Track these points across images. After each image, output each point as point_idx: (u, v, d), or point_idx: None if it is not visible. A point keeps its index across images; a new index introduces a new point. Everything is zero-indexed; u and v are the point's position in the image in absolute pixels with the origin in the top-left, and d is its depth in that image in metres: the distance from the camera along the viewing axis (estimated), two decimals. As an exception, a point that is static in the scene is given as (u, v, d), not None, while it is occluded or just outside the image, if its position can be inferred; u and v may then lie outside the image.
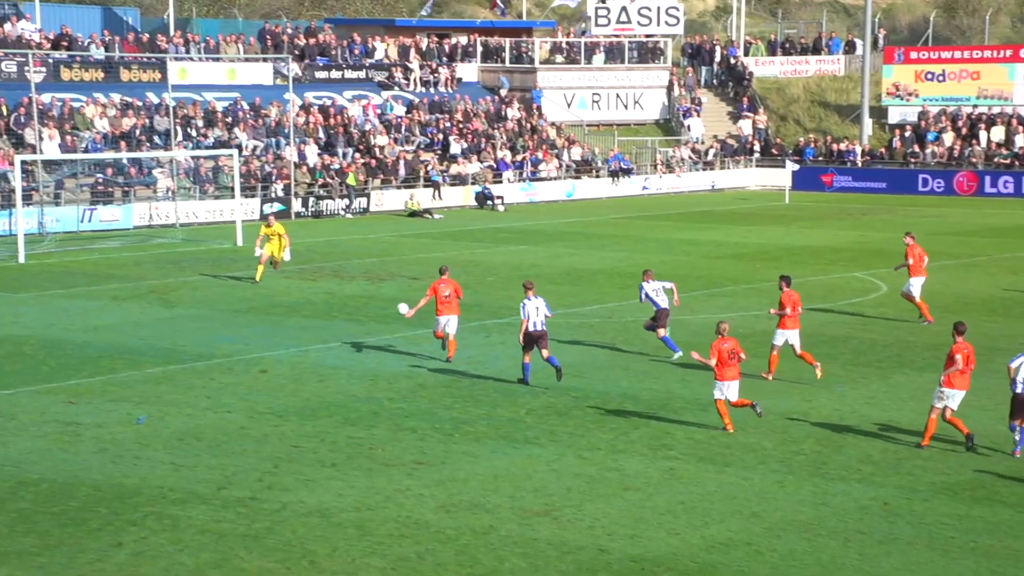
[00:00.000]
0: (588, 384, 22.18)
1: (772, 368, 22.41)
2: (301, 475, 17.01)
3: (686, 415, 20.19)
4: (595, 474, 17.23)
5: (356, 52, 59.40)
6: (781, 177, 58.29)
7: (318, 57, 57.97)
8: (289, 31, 58.42)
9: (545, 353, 21.56)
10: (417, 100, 58.08)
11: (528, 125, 59.18)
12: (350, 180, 49.74)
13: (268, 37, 57.08)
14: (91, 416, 19.75)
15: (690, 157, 61.05)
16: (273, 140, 50.75)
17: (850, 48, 67.46)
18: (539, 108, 61.19)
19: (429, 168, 53.02)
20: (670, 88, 64.63)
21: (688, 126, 62.70)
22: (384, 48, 60.45)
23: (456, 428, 19.42)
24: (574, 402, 21.00)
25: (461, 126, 56.72)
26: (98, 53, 50.71)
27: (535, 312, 21.52)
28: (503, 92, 61.47)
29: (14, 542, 14.49)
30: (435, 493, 16.37)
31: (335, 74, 57.73)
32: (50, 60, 48.76)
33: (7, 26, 50.37)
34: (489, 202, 52.51)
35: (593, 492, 16.50)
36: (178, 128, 47.62)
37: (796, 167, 58.84)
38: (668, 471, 17.38)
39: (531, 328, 21.49)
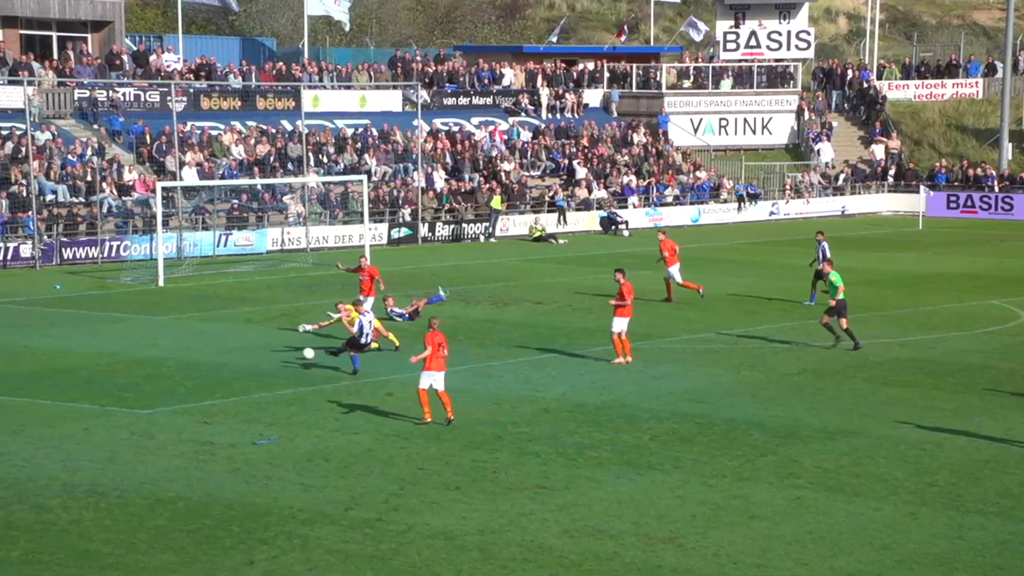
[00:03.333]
0: (713, 410, 22.03)
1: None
2: (426, 497, 17.23)
3: (814, 443, 19.93)
4: (720, 501, 17.11)
5: (484, 79, 60.02)
6: (915, 203, 57.16)
7: (446, 84, 58.73)
8: (419, 59, 59.30)
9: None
10: (543, 126, 58.42)
11: (654, 150, 59.08)
12: (495, 204, 50.19)
13: (398, 64, 58.02)
14: (225, 436, 20.26)
15: (819, 182, 60.25)
16: (401, 166, 51.51)
17: (990, 71, 65.93)
18: (665, 133, 61.05)
19: (554, 194, 53.25)
20: (800, 112, 63.94)
21: (818, 151, 61.91)
22: (512, 74, 60.97)
23: (580, 453, 19.46)
24: (699, 428, 20.88)
25: (587, 151, 56.85)
26: (236, 83, 52.11)
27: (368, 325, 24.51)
28: (613, 106, 61.65)
29: (153, 558, 14.95)
30: (559, 518, 16.43)
31: (463, 100, 58.40)
32: (191, 90, 50.25)
33: (152, 57, 52.07)
34: (614, 227, 52.50)
35: (718, 520, 16.40)
36: (310, 154, 48.66)
37: (930, 192, 57.67)
38: (795, 500, 17.18)
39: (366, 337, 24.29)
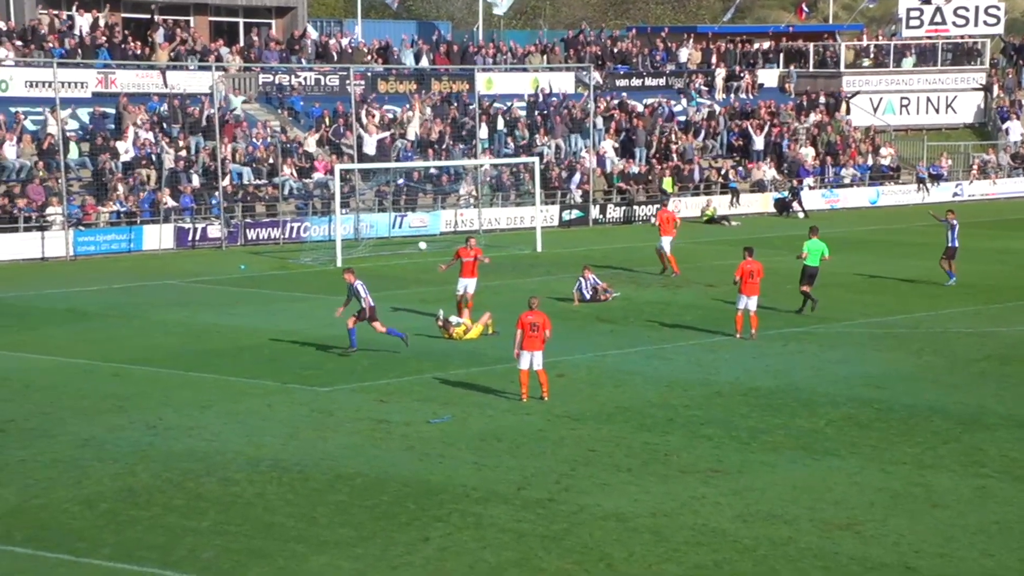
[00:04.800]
0: (892, 396, 21.50)
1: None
2: (597, 479, 17.26)
3: (1000, 431, 19.29)
4: (900, 489, 16.71)
5: (657, 59, 59.57)
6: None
7: (619, 65, 58.48)
8: (592, 39, 59.19)
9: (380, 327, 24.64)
10: (717, 106, 57.71)
11: (831, 130, 57.80)
12: (666, 185, 49.89)
13: (571, 46, 58.02)
14: (400, 414, 20.64)
15: (1008, 162, 58.07)
16: (573, 147, 51.55)
17: None
18: (844, 113, 59.66)
19: (727, 174, 52.58)
20: (987, 90, 61.69)
21: (1006, 129, 59.67)
22: (686, 54, 60.37)
23: (753, 437, 19.23)
24: (877, 414, 20.42)
25: (762, 131, 55.96)
26: (411, 65, 52.88)
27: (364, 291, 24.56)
28: (789, 86, 60.39)
29: (333, 532, 15.35)
30: (732, 502, 16.28)
31: (635, 81, 58.08)
32: (368, 73, 51.21)
33: (331, 42, 53.24)
34: (788, 209, 51.58)
35: (898, 507, 16.02)
36: (483, 136, 49.07)
37: None
38: (980, 489, 16.67)
39: (371, 303, 24.61)
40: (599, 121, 52.00)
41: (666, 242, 35.73)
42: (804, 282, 28.97)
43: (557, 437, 19.32)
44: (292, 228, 43.19)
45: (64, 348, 25.68)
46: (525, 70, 55.43)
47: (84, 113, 44.00)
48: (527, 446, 18.85)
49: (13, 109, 42.35)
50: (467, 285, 28.53)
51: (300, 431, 19.68)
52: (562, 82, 55.82)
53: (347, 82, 48.30)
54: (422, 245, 40.32)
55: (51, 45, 45.31)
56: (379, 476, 17.38)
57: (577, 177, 49.11)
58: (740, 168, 53.57)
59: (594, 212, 48.62)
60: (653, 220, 49.27)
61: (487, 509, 16.05)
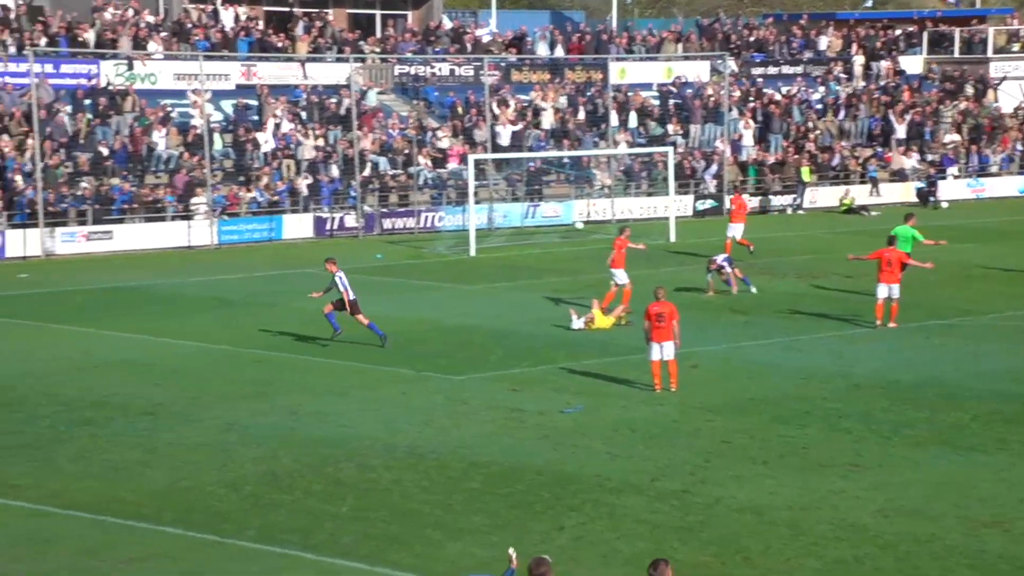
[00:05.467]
0: (1040, 392, 20.87)
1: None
2: (732, 471, 17.11)
3: None
4: (1049, 487, 16.24)
5: (795, 47, 58.62)
6: None
7: (756, 53, 57.69)
8: (728, 27, 58.50)
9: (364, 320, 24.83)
10: (857, 94, 56.55)
11: (978, 118, 56.20)
12: (804, 174, 49.16)
13: (706, 34, 57.44)
14: (534, 403, 20.71)
15: None
16: (707, 136, 51.06)
17: None
18: (991, 100, 57.95)
19: (866, 163, 51.52)
20: None
21: None
22: (825, 42, 59.27)
23: (895, 431, 18.85)
24: (1024, 410, 19.85)
25: (904, 118, 54.69)
26: (545, 55, 52.93)
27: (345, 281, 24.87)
28: (933, 73, 58.79)
29: (468, 520, 15.49)
30: (872, 497, 15.99)
31: (772, 69, 57.24)
32: (502, 63, 51.45)
33: (466, 33, 53.59)
34: (931, 199, 50.35)
35: (1046, 506, 15.57)
36: (616, 126, 48.90)
37: None
38: None
39: (352, 297, 24.86)
40: (735, 115, 51.39)
41: (738, 229, 35.88)
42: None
43: (691, 428, 19.19)
44: (427, 217, 43.62)
45: (209, 334, 26.36)
46: (656, 58, 55.06)
47: (228, 105, 45.04)
48: (661, 437, 18.76)
49: (162, 101, 43.53)
50: (620, 274, 28.37)
51: (435, 419, 19.89)
52: (697, 71, 55.28)
53: (481, 72, 48.58)
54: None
55: (197, 38, 46.48)
56: (513, 465, 17.47)
57: (713, 167, 48.62)
58: (880, 157, 52.44)
59: (727, 202, 48.06)
60: (790, 209, 48.70)
61: (621, 499, 16.03)
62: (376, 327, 25.17)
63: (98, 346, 24.94)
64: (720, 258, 31.07)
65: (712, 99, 51.80)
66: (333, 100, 46.32)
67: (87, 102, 42.16)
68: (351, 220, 42.40)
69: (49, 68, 42.09)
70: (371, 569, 14.02)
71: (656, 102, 52.27)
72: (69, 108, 41.37)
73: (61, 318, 28.00)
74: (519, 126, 47.66)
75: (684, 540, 14.68)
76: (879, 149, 53.08)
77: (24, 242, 36.77)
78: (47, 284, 32.39)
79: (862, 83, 57.78)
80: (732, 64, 54.22)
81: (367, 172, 43.92)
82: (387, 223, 43.13)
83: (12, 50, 42.17)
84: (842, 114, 54.61)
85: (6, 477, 16.93)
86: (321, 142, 44.60)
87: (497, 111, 47.36)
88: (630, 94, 51.65)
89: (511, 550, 10.98)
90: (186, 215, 40.08)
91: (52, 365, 23.50)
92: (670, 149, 44.83)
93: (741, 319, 27.61)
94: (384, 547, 14.59)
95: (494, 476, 17.04)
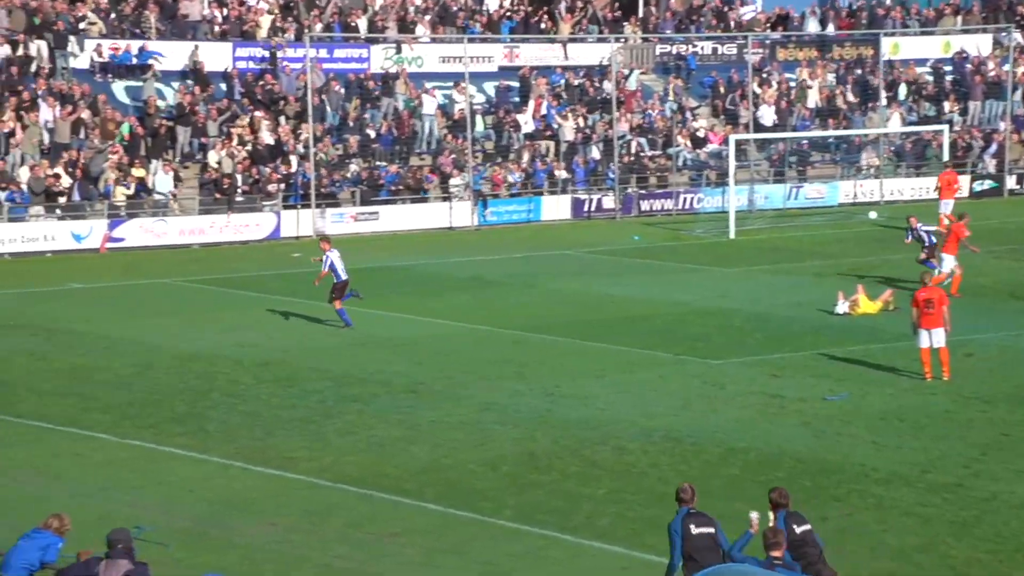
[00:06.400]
0: None
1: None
2: (1011, 465, 16.23)
3: None
4: None
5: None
6: None
7: (1046, 23, 54.43)
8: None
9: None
10: None
11: None
12: None
13: (989, 5, 54.51)
14: (794, 390, 20.18)
15: None
16: (988, 114, 48.56)
17: None
18: None
19: None
20: None
21: None
22: None
23: None
24: None
25: None
26: (813, 31, 51.45)
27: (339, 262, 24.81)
28: None
29: (727, 506, 15.07)
30: None
31: (1064, 42, 53.91)
32: (766, 41, 50.37)
33: (730, 10, 52.68)
34: None
35: None
36: (888, 103, 47.13)
37: None
38: None
39: (342, 279, 24.83)
40: (1021, 88, 48.66)
41: (947, 206, 34.91)
42: None
43: (965, 419, 18.29)
44: (685, 199, 43.16)
45: (468, 314, 26.80)
46: (933, 32, 52.69)
47: (490, 87, 45.70)
48: (931, 427, 17.96)
49: (428, 84, 44.51)
50: (948, 260, 27.45)
51: (692, 403, 19.64)
52: (977, 44, 52.54)
53: (744, 51, 47.67)
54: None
55: (461, 22, 47.32)
56: (773, 452, 17.06)
57: (993, 147, 46.23)
58: None
59: (1010, 182, 45.63)
60: None
61: (888, 491, 15.41)
62: (345, 314, 25.09)
63: (363, 324, 25.71)
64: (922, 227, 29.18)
65: (994, 74, 49.21)
66: (595, 80, 46.26)
67: (357, 87, 43.54)
68: (609, 201, 42.37)
69: (323, 53, 43.70)
70: (628, 553, 13.92)
71: (930, 78, 50.04)
72: (342, 91, 42.82)
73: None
74: (786, 105, 46.52)
75: (958, 536, 13.98)
76: None
77: (297, 222, 38.31)
78: (318, 264, 33.57)
79: None
80: (1018, 36, 51.29)
81: (625, 153, 43.78)
82: (645, 204, 42.90)
83: (291, 36, 43.95)
84: None
85: (283, 450, 17.63)
86: (581, 122, 44.73)
87: (759, 90, 46.38)
88: (902, 70, 49.65)
89: (753, 513, 10.74)
90: (447, 196, 40.90)
91: (322, 342, 24.38)
92: (945, 127, 42.85)
93: (1021, 305, 26.14)
94: (642, 530, 14.45)
95: (753, 463, 16.68)
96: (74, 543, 12.28)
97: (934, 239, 28.86)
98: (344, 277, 25.30)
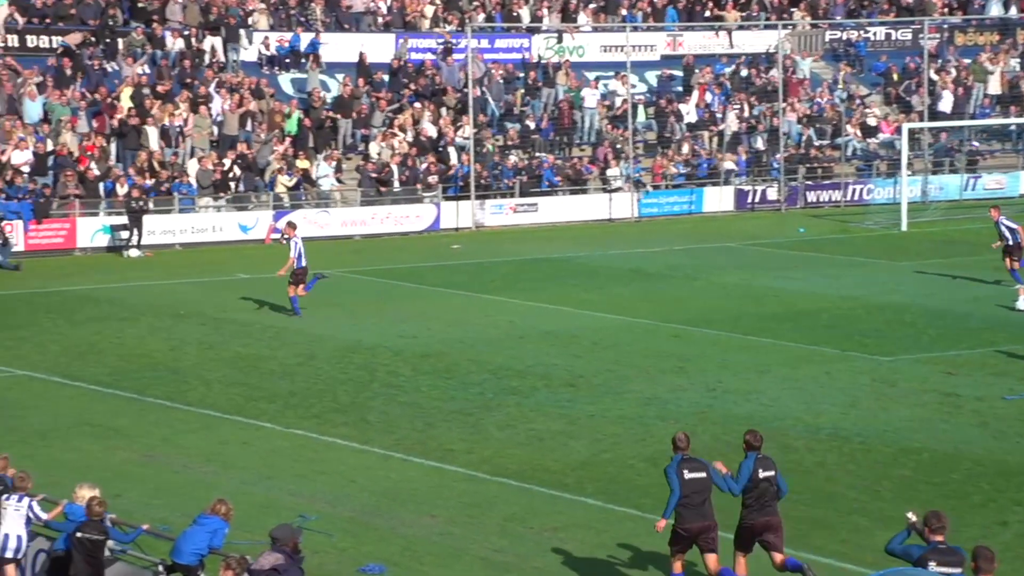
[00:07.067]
0: None
1: None
2: None
3: None
4: None
5: None
6: None
7: None
8: None
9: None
10: None
11: None
12: None
13: None
14: (971, 388, 19.36)
15: None
16: None
17: None
18: None
19: None
20: None
21: None
22: None
23: None
24: None
25: None
26: (996, 14, 49.42)
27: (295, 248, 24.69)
28: None
29: (898, 508, 14.46)
30: None
31: None
32: (944, 26, 48.61)
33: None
34: None
35: None
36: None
37: None
38: None
39: (301, 265, 24.72)
40: None
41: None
42: None
43: None
44: (854, 190, 41.93)
45: (628, 307, 26.41)
46: None
47: (652, 76, 45.12)
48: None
49: (589, 74, 44.15)
50: None
51: (860, 400, 18.97)
52: None
53: (920, 36, 46.07)
54: None
55: (624, 10, 46.82)
56: (948, 453, 16.33)
57: None
58: None
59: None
60: None
61: (1075, 498, 14.56)
62: (296, 304, 25.05)
63: (522, 316, 25.57)
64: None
65: None
66: (762, 69, 45.21)
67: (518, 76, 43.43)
68: (773, 193, 41.42)
69: (485, 43, 43.73)
70: (794, 553, 13.40)
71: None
72: (502, 82, 42.76)
73: (489, 288, 28.94)
74: (962, 92, 44.82)
75: None
76: None
77: (457, 214, 38.40)
78: (476, 255, 33.63)
79: None
80: None
81: (792, 143, 42.73)
82: (811, 196, 41.81)
83: (453, 27, 44.10)
84: None
85: (443, 442, 17.58)
86: (745, 112, 43.82)
87: (935, 77, 44.77)
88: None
89: (910, 514, 10.32)
90: (607, 188, 40.49)
91: (481, 334, 24.30)
92: None
93: None
94: (807, 530, 13.95)
95: (926, 463, 15.98)
96: (238, 530, 12.35)
97: (1019, 236, 26.24)
98: (304, 264, 25.32)
